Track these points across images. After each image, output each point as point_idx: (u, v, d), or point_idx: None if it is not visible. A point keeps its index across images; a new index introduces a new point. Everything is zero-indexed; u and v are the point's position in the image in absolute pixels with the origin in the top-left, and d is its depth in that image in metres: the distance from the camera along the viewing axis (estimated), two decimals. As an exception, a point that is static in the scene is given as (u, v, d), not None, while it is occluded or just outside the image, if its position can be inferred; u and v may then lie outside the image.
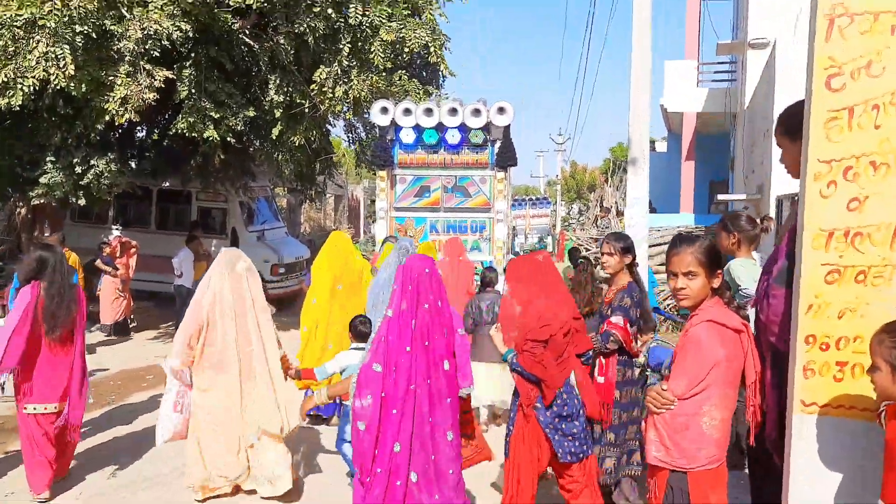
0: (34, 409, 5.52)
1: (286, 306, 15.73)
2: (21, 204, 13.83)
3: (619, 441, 4.79)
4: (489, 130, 9.53)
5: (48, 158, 11.29)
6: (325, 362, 5.81)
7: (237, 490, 5.52)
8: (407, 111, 9.69)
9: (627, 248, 4.89)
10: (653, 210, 22.30)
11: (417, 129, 9.67)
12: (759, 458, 3.49)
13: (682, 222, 17.05)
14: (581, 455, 4.28)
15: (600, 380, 4.83)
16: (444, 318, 3.97)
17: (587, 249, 16.83)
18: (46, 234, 13.33)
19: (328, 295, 7.15)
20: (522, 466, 4.29)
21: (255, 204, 16.24)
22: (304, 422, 5.86)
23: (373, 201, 37.92)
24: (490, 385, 6.89)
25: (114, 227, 15.12)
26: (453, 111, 9.55)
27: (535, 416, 4.25)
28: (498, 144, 9.65)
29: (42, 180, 11.23)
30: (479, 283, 7.72)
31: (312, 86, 10.75)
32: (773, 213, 9.60)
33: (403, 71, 12.48)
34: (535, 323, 4.27)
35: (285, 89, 10.94)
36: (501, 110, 9.51)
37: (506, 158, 9.66)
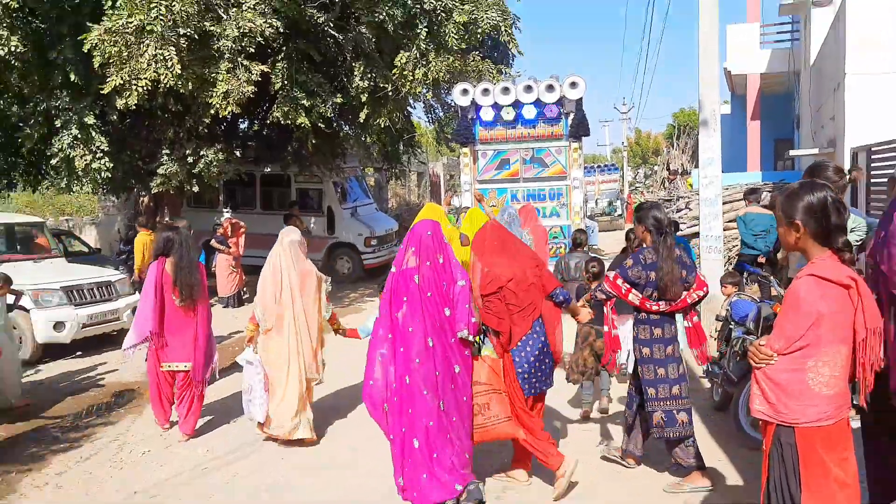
0: (168, 367, 5.99)
1: (379, 274, 15.98)
2: (143, 193, 14.23)
3: (662, 395, 4.60)
4: (563, 104, 9.35)
5: (164, 152, 11.57)
6: None
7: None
8: (485, 91, 9.63)
9: (657, 221, 4.64)
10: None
11: (496, 106, 9.58)
12: (881, 419, 3.07)
13: (751, 180, 16.27)
14: (536, 390, 4.55)
15: (606, 330, 5.01)
16: (444, 273, 4.34)
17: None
18: (167, 219, 13.77)
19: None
20: (513, 395, 4.54)
21: (348, 183, 16.36)
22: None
23: (451, 176, 37.83)
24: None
25: (224, 210, 15.49)
26: (528, 88, 9.47)
27: (509, 357, 4.50)
28: (571, 117, 9.45)
29: (160, 171, 11.52)
30: (566, 244, 7.73)
31: (394, 70, 10.58)
32: (847, 166, 8.95)
33: (477, 52, 12.17)
34: (484, 279, 4.51)
35: (369, 75, 10.81)
36: (574, 85, 9.36)
37: (580, 129, 9.52)
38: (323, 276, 5.88)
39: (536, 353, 4.50)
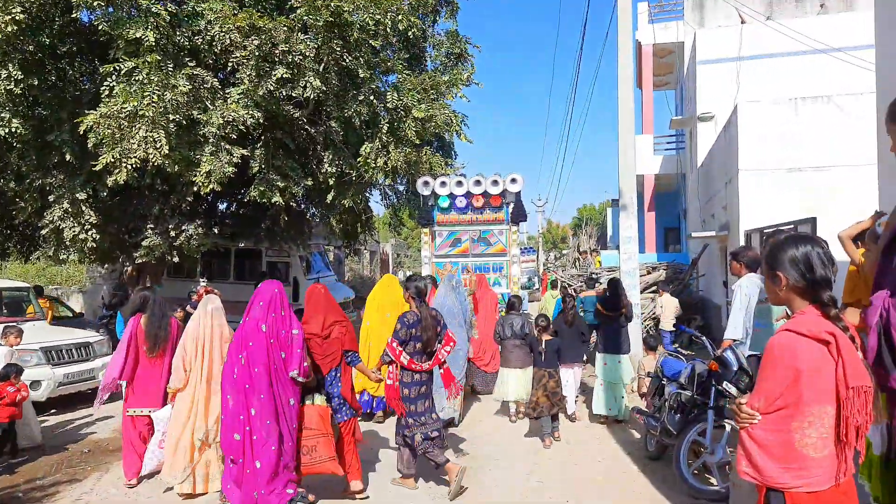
0: (133, 412, 5.49)
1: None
2: (128, 264, 13.27)
3: (419, 423, 4.94)
4: (504, 195, 9.84)
5: (149, 226, 10.81)
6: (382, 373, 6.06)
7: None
8: (443, 183, 10.01)
9: (418, 290, 5.17)
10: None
11: (451, 196, 9.98)
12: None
13: (648, 259, 16.45)
14: (339, 420, 4.73)
15: (388, 382, 5.03)
16: (284, 323, 4.44)
17: (568, 284, 16.37)
18: (148, 286, 12.85)
19: (379, 320, 7.26)
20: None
21: (312, 258, 15.86)
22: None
23: (398, 255, 37.44)
24: (515, 385, 6.93)
25: (200, 279, 14.60)
26: (477, 182, 9.89)
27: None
28: (511, 206, 9.89)
29: (144, 243, 10.73)
30: (505, 307, 7.67)
31: (359, 159, 10.21)
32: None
33: (428, 147, 11.99)
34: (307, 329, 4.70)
35: (337, 163, 10.41)
36: (514, 180, 9.81)
37: (518, 216, 9.96)
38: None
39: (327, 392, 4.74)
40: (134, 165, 8.48)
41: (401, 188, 15.03)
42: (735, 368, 4.55)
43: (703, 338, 4.95)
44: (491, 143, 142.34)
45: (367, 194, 12.67)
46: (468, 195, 9.90)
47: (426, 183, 9.95)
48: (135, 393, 5.47)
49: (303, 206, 13.09)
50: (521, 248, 37.43)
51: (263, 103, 9.40)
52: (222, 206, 14.72)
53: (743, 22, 15.65)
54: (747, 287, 5.13)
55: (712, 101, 14.50)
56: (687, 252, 18.74)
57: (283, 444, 4.34)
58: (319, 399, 4.63)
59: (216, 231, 12.60)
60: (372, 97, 9.77)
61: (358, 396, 6.40)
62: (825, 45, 13.05)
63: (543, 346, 6.40)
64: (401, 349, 4.86)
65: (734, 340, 5.00)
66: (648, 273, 14.31)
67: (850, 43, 12.97)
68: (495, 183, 9.75)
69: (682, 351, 5.98)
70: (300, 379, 4.39)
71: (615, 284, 7.19)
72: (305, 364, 4.43)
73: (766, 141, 8.88)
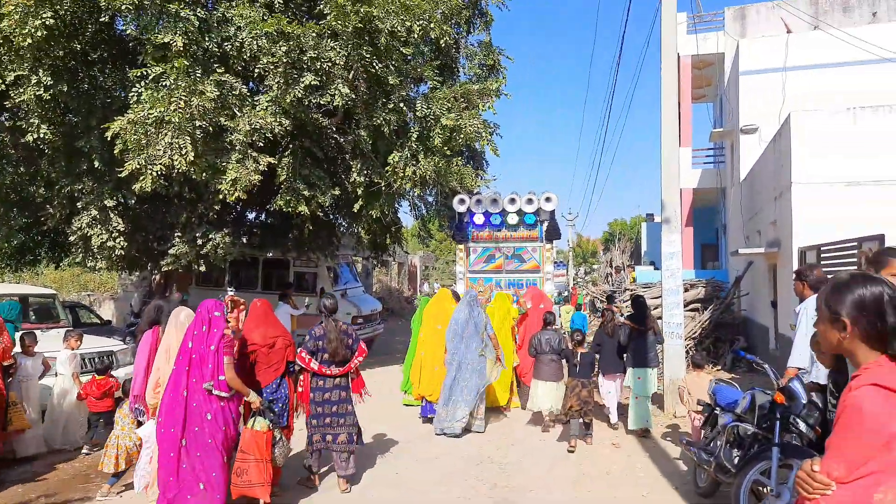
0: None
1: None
2: (156, 272, 13.16)
3: (320, 424, 5.44)
4: (539, 213, 9.85)
5: (176, 234, 10.69)
6: (435, 380, 7.40)
7: None
8: (478, 202, 10.10)
9: (326, 307, 5.59)
10: (657, 268, 21.16)
11: (486, 213, 10.05)
12: None
13: (686, 276, 15.74)
14: (276, 426, 4.93)
15: (300, 389, 5.49)
16: (207, 339, 4.58)
17: (601, 301, 15.86)
18: (165, 295, 12.74)
19: (431, 331, 7.88)
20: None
21: (339, 269, 15.58)
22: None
23: (426, 267, 37.16)
24: (547, 396, 7.27)
25: (228, 288, 14.43)
26: (512, 201, 9.92)
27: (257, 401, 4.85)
28: (546, 224, 9.92)
29: (171, 251, 10.59)
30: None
31: (387, 168, 9.90)
32: (795, 265, 8.33)
33: (459, 157, 11.64)
34: (244, 342, 5.12)
35: (365, 172, 10.11)
36: (548, 199, 9.88)
37: (552, 234, 10.01)
38: None
39: (271, 398, 5.11)
40: (159, 172, 8.30)
41: (430, 199, 14.72)
42: (803, 401, 4.04)
43: (766, 365, 4.42)
44: (524, 156, 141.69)
45: (397, 205, 12.35)
46: (503, 213, 9.98)
47: (462, 201, 10.06)
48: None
49: (331, 216, 12.82)
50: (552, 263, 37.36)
51: (292, 111, 9.18)
52: (251, 216, 14.57)
53: (789, 31, 15.00)
54: (814, 309, 4.61)
55: (756, 112, 13.87)
56: (726, 269, 17.97)
57: (188, 455, 4.45)
58: (260, 424, 4.74)
59: (243, 240, 12.38)
60: (402, 105, 9.48)
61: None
62: (885, 52, 12.33)
63: (578, 358, 6.97)
64: (310, 358, 5.38)
65: (799, 369, 4.47)
66: (686, 290, 13.67)
67: (905, 52, 12.26)
68: (530, 201, 9.78)
69: (725, 379, 5.45)
70: (216, 392, 4.52)
71: (638, 301, 7.44)
72: (221, 378, 4.54)
73: (822, 153, 8.27)
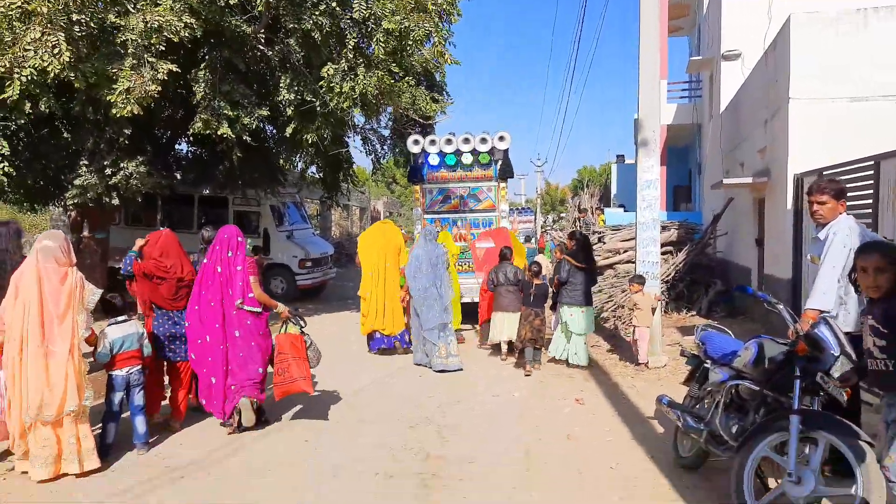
0: None
1: (312, 295, 13.76)
2: (71, 209, 11.56)
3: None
4: (493, 153, 9.81)
5: (82, 162, 9.10)
6: (382, 319, 7.78)
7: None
8: (432, 142, 9.91)
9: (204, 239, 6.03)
10: (626, 210, 20.08)
11: (440, 154, 9.89)
12: None
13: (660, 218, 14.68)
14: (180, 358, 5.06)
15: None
16: (234, 262, 4.87)
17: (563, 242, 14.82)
18: (91, 233, 11.22)
19: (380, 269, 7.88)
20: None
21: (285, 208, 14.15)
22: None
23: (391, 213, 35.86)
24: (506, 326, 7.45)
25: (161, 228, 12.94)
26: (466, 140, 9.82)
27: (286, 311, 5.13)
28: (499, 163, 9.88)
29: (76, 182, 9.05)
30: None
31: (321, 83, 8.38)
32: (790, 194, 7.19)
33: (410, 77, 10.15)
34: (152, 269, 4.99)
35: (296, 88, 8.60)
36: (502, 138, 9.77)
37: (506, 172, 9.95)
38: (92, 288, 4.11)
39: (167, 332, 5.02)
40: (30, 77, 6.67)
41: (385, 133, 13.24)
42: (835, 353, 2.90)
43: (781, 305, 3.27)
44: (488, 96, 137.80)
45: (341, 133, 10.84)
46: (457, 153, 9.85)
47: (416, 141, 9.95)
48: None
49: (266, 143, 11.28)
50: (518, 209, 36.86)
51: (203, 11, 7.57)
52: (181, 149, 12.95)
53: (775, -52, 13.54)
54: (845, 234, 3.43)
55: (739, 37, 12.56)
56: (700, 211, 16.99)
57: (229, 364, 4.83)
58: (292, 328, 5.04)
59: (164, 173, 10.80)
60: (335, 4, 7.91)
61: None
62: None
63: (533, 289, 7.14)
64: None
65: (821, 312, 3.34)
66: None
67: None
68: (484, 141, 9.80)
69: (715, 324, 4.31)
70: (246, 307, 4.81)
71: (581, 238, 7.51)
72: (251, 295, 4.81)
73: (825, 63, 7.01)
